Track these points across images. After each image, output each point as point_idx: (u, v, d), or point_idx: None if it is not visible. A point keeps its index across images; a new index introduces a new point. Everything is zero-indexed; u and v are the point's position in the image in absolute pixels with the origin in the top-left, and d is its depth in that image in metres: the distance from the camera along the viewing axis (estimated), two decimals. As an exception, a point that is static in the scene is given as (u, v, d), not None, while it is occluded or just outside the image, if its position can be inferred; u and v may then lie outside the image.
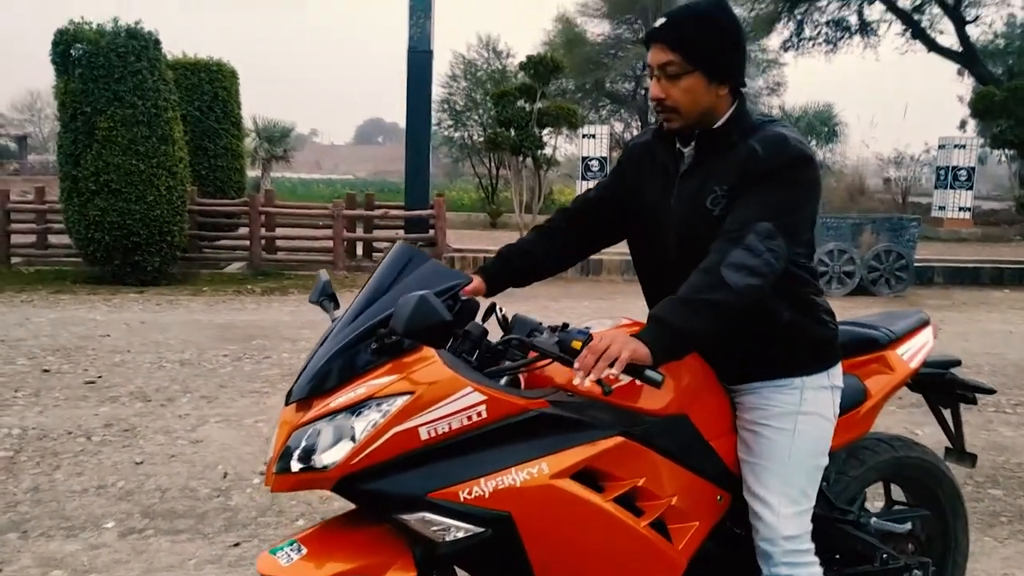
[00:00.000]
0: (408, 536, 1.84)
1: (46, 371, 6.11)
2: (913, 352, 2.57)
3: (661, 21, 2.00)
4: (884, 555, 2.43)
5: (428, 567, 1.87)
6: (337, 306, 2.18)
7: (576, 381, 1.78)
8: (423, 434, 1.78)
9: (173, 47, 12.85)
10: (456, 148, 25.87)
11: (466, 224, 18.39)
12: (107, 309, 8.88)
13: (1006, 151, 19.91)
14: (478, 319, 2.13)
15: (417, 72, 12.81)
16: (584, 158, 16.91)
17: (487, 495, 1.82)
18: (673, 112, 2.02)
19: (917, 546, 2.58)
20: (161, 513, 3.73)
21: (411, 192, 13.27)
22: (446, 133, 25.49)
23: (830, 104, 21.92)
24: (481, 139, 19.97)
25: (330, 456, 1.76)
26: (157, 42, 10.64)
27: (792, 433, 2.12)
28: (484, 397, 1.82)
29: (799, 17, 23.16)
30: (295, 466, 1.79)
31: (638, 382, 1.97)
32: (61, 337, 7.25)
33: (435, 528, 1.79)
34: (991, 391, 2.75)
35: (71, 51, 10.17)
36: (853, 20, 23.02)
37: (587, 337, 1.81)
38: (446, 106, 25.37)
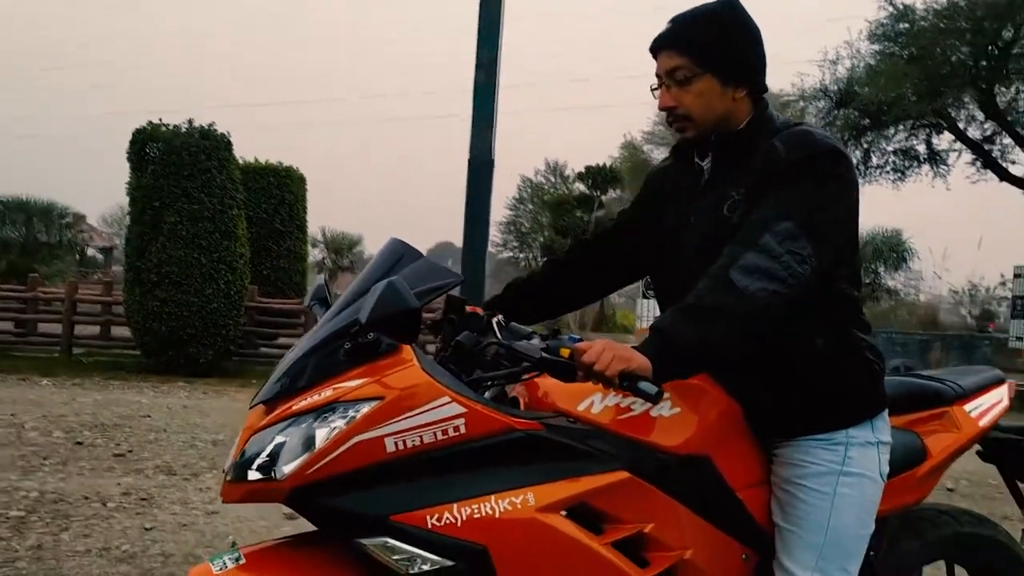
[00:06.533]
0: (368, 564, 1.62)
1: (79, 443, 6.06)
2: (984, 410, 2.25)
3: (666, 27, 1.86)
4: None
5: None
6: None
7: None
8: (390, 446, 1.58)
9: (248, 153, 13.40)
10: (521, 269, 26.14)
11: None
12: (154, 394, 8.91)
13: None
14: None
15: (477, 181, 12.98)
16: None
17: (460, 523, 1.59)
18: (686, 120, 1.86)
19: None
20: (159, 578, 3.53)
21: (465, 295, 13.19)
22: (511, 254, 25.79)
23: (898, 230, 21.51)
24: (542, 254, 20.10)
25: (285, 464, 1.58)
26: (228, 143, 11.08)
27: (831, 497, 1.83)
28: (463, 409, 1.61)
29: (865, 146, 23.06)
30: (252, 475, 1.61)
31: (652, 413, 1.77)
32: (102, 416, 7.24)
33: (397, 557, 1.57)
34: None
35: (146, 150, 10.64)
36: (921, 149, 22.80)
37: (577, 343, 1.63)
38: (512, 228, 25.79)
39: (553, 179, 28.14)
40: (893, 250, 20.84)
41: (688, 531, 1.79)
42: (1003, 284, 20.73)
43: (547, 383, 1.84)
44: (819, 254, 1.69)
